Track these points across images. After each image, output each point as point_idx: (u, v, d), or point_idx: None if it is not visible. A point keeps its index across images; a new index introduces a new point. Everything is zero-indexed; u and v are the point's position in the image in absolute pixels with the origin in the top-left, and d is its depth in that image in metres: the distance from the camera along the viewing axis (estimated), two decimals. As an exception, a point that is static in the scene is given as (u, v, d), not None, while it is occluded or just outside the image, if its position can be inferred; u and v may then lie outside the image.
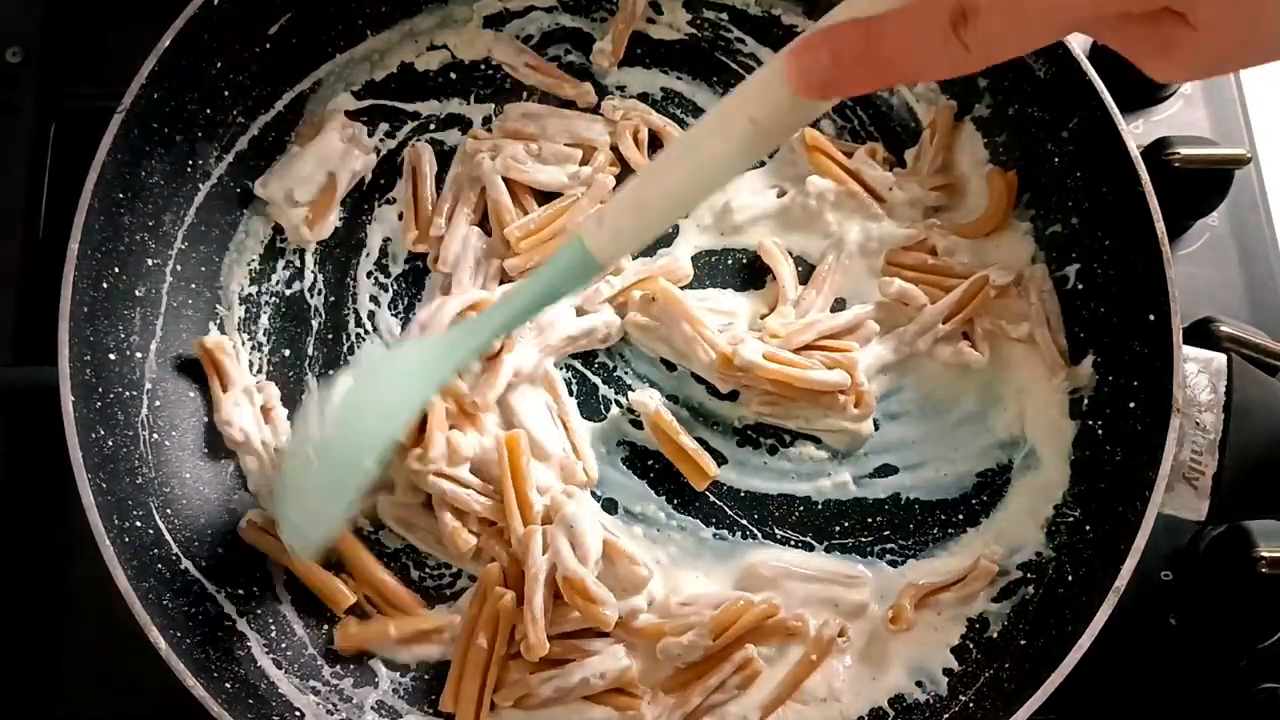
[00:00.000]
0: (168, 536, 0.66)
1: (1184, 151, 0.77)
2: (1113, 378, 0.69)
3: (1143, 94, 0.85)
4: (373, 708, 0.67)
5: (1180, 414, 0.63)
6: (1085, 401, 0.71)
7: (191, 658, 0.60)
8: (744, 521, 0.72)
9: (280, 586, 0.69)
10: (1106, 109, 0.68)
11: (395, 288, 0.76)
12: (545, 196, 0.76)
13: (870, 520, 0.72)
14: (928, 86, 0.77)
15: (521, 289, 0.60)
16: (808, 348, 0.71)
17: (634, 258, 0.75)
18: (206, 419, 0.72)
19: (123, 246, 0.68)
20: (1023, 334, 0.72)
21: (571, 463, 0.70)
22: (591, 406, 0.74)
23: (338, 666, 0.68)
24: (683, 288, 0.74)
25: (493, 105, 0.80)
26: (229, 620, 0.66)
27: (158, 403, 0.70)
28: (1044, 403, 0.72)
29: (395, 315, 0.75)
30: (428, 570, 0.71)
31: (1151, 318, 0.65)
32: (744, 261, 0.77)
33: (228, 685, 0.62)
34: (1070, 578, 0.67)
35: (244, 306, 0.75)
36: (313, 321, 0.76)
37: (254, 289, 0.76)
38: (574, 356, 0.74)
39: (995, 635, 0.69)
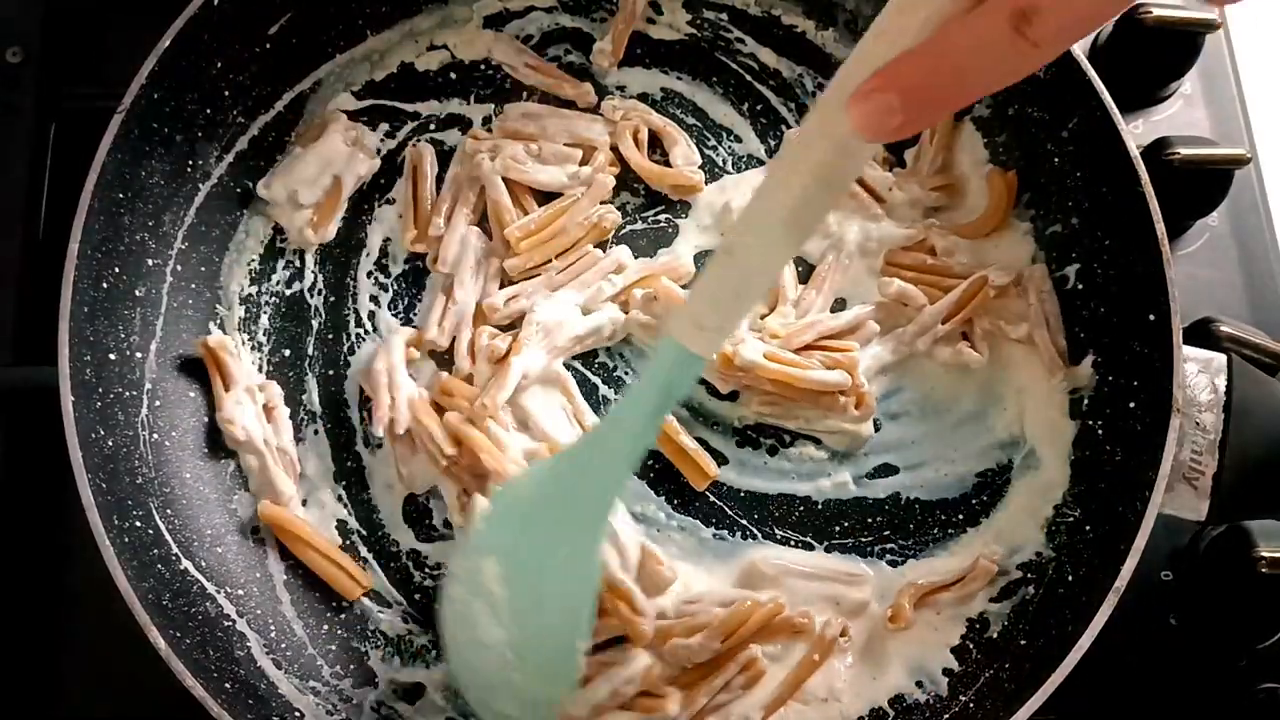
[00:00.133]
0: (168, 536, 0.66)
1: (1184, 151, 0.77)
2: (1113, 378, 0.69)
3: (1143, 94, 0.85)
4: (372, 708, 0.67)
5: (1180, 414, 0.63)
6: (1085, 401, 0.71)
7: (191, 658, 0.60)
8: (744, 521, 0.72)
9: (280, 586, 0.69)
10: (1106, 109, 0.68)
11: (395, 288, 0.76)
12: (545, 196, 0.76)
13: (870, 520, 0.72)
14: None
15: (635, 408, 0.56)
16: (808, 348, 0.71)
17: (635, 256, 0.75)
18: (207, 419, 0.72)
19: (123, 246, 0.68)
20: (1022, 334, 0.72)
21: None
22: (591, 406, 0.73)
23: (338, 667, 0.68)
24: (684, 286, 0.74)
25: (493, 105, 0.80)
26: (229, 620, 0.66)
27: (158, 403, 0.70)
28: (1044, 403, 0.72)
29: (395, 315, 0.75)
30: (427, 570, 0.71)
31: (1151, 318, 0.65)
32: (744, 261, 0.77)
33: (228, 685, 0.62)
34: (1070, 578, 0.67)
35: (244, 306, 0.75)
36: (313, 321, 0.76)
37: (254, 289, 0.76)
38: (574, 356, 0.74)
39: (995, 635, 0.69)
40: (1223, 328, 0.74)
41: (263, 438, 0.71)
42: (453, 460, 0.69)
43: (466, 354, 0.72)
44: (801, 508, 0.72)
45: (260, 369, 0.74)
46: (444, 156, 0.78)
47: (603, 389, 0.74)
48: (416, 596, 0.70)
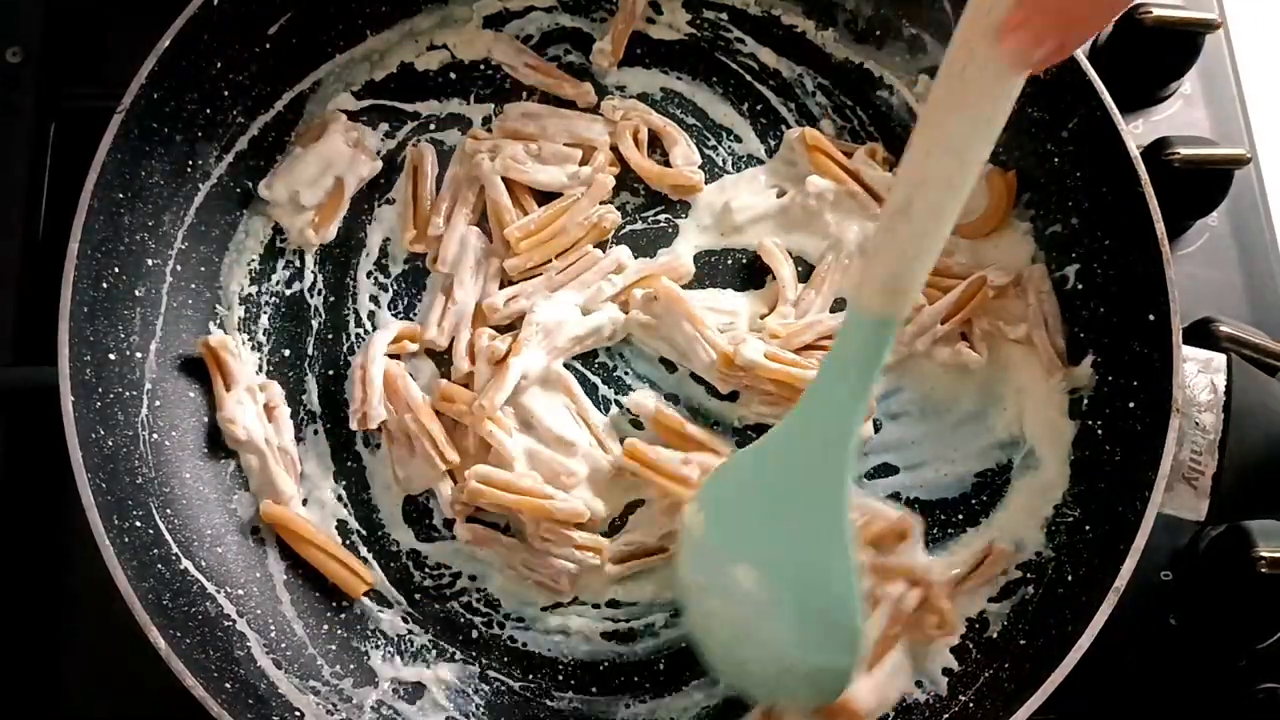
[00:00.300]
0: (168, 536, 0.66)
1: (1184, 151, 0.77)
2: (1112, 378, 0.69)
3: (1143, 94, 0.85)
4: (372, 708, 0.67)
5: (1180, 414, 0.63)
6: (1085, 401, 0.71)
7: (191, 658, 0.60)
8: (744, 521, 0.72)
9: (280, 586, 0.69)
10: (1106, 109, 0.68)
11: (395, 288, 0.76)
12: (545, 196, 0.76)
13: (870, 520, 0.72)
14: (927, 87, 0.77)
15: (842, 383, 0.56)
16: (808, 348, 0.71)
17: (635, 256, 0.75)
18: (206, 419, 0.72)
19: (123, 246, 0.68)
20: (1021, 335, 0.72)
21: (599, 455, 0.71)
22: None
23: (338, 667, 0.68)
24: (683, 287, 0.74)
25: (493, 105, 0.80)
26: (229, 620, 0.66)
27: (158, 403, 0.70)
28: (1043, 403, 0.72)
29: (395, 315, 0.75)
30: (427, 570, 0.71)
31: (1151, 318, 0.65)
32: (744, 261, 0.77)
33: (228, 685, 0.62)
34: (1070, 578, 0.67)
35: (244, 306, 0.75)
36: (313, 321, 0.76)
37: (254, 289, 0.76)
38: (574, 356, 0.74)
39: (995, 635, 0.69)
40: (1222, 328, 0.74)
41: (264, 437, 0.71)
42: (454, 465, 0.69)
43: (465, 355, 0.72)
44: (801, 508, 0.72)
45: (260, 369, 0.74)
46: (444, 156, 0.78)
47: (603, 389, 0.74)
48: (416, 596, 0.70)
